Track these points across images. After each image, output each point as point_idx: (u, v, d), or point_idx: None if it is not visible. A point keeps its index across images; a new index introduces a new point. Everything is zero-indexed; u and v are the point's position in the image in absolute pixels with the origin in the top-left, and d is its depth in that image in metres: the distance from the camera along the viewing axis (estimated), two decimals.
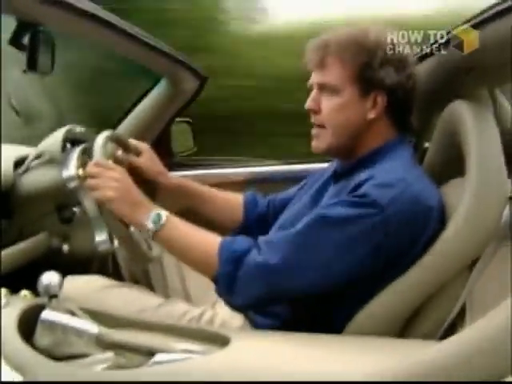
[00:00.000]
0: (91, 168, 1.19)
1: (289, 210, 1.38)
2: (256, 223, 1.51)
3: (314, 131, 1.24)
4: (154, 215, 1.13)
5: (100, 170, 1.18)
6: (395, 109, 1.20)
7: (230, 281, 1.08)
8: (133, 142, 1.47)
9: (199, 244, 1.14)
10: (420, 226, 1.06)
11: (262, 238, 1.12)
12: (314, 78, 1.23)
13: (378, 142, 1.21)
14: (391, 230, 1.04)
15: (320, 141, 1.23)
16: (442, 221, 1.10)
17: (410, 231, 1.06)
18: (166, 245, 1.17)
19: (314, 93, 1.23)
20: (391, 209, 1.03)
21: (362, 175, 1.11)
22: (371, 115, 1.18)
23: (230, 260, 1.07)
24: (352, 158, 1.23)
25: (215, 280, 1.10)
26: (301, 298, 1.11)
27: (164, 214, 1.14)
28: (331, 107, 1.19)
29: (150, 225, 1.13)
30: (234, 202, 1.55)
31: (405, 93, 1.19)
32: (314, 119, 1.23)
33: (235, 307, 1.17)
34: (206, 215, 1.54)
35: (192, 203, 1.54)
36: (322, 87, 1.21)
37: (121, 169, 1.20)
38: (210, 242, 1.13)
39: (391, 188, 1.05)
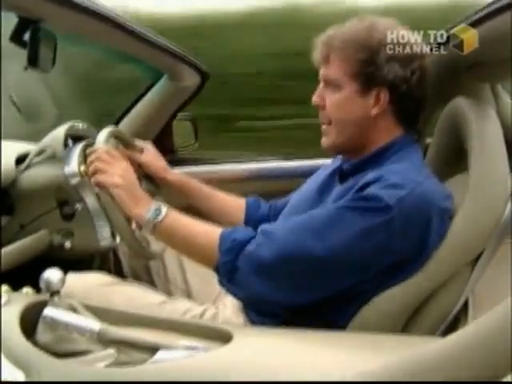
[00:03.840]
0: (102, 154, 1.25)
1: (292, 203, 1.38)
2: (257, 227, 1.51)
3: (322, 128, 1.25)
4: (154, 209, 1.17)
5: (111, 158, 1.24)
6: (400, 105, 1.19)
7: (230, 271, 1.10)
8: (135, 140, 1.50)
9: (200, 236, 1.16)
10: (429, 227, 1.05)
11: (263, 229, 1.13)
12: (321, 73, 1.23)
13: (385, 139, 1.20)
14: (398, 229, 1.03)
15: (327, 137, 1.24)
16: (449, 221, 1.09)
17: (419, 231, 1.05)
18: (167, 238, 1.20)
19: (319, 88, 1.24)
20: (399, 209, 1.02)
21: (370, 175, 1.10)
22: (374, 112, 1.17)
23: (230, 249, 1.10)
24: (358, 155, 1.22)
25: (216, 270, 1.12)
26: (305, 300, 1.10)
27: (164, 207, 1.17)
28: (333, 103, 1.20)
29: (150, 217, 1.16)
30: (236, 204, 1.55)
31: (409, 88, 1.17)
32: (320, 115, 1.24)
33: (239, 299, 1.18)
34: (207, 215, 1.55)
35: (194, 201, 1.55)
36: (326, 83, 1.21)
37: (127, 163, 1.27)
38: (210, 233, 1.15)
39: (400, 188, 1.04)
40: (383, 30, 1.17)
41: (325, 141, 1.25)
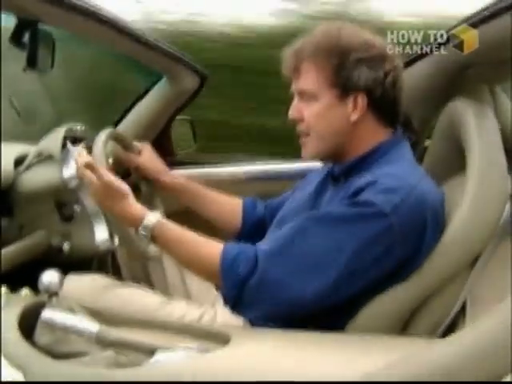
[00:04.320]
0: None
1: (286, 208, 1.38)
2: (254, 227, 1.51)
3: (301, 140, 1.24)
4: (143, 230, 1.17)
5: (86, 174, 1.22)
6: (378, 107, 1.18)
7: (236, 303, 1.11)
8: (133, 142, 1.50)
9: (198, 257, 1.16)
10: (425, 229, 1.06)
11: (261, 251, 1.11)
12: (293, 86, 1.23)
13: (371, 142, 1.19)
14: (397, 236, 1.04)
15: (307, 149, 1.23)
16: (443, 220, 1.10)
17: (416, 234, 1.06)
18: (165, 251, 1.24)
19: (294, 101, 1.22)
20: (396, 215, 1.03)
21: (363, 179, 1.10)
22: (354, 116, 1.16)
23: (234, 285, 1.09)
24: (346, 160, 1.21)
25: (217, 287, 1.16)
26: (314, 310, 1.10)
27: (152, 226, 1.16)
28: (312, 114, 1.18)
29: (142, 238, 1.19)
30: (234, 205, 1.55)
31: (384, 90, 1.17)
32: (298, 128, 1.23)
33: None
34: (206, 217, 1.55)
35: (191, 204, 1.56)
36: (301, 95, 1.20)
37: (97, 178, 1.21)
38: (209, 256, 1.14)
39: (395, 193, 1.04)
40: (350, 34, 1.18)
41: (306, 152, 1.24)
